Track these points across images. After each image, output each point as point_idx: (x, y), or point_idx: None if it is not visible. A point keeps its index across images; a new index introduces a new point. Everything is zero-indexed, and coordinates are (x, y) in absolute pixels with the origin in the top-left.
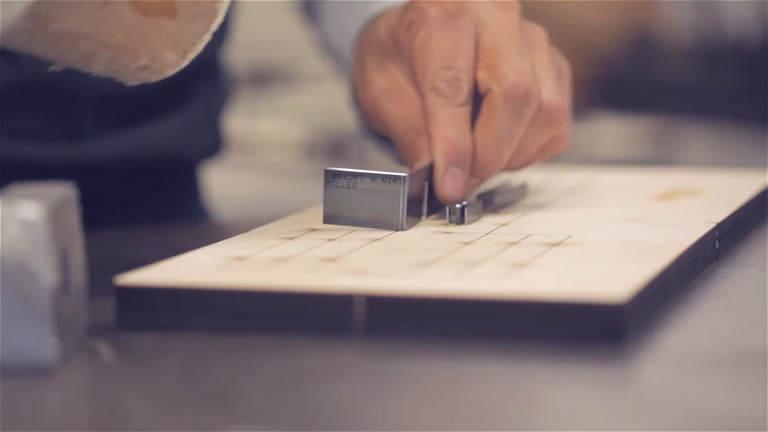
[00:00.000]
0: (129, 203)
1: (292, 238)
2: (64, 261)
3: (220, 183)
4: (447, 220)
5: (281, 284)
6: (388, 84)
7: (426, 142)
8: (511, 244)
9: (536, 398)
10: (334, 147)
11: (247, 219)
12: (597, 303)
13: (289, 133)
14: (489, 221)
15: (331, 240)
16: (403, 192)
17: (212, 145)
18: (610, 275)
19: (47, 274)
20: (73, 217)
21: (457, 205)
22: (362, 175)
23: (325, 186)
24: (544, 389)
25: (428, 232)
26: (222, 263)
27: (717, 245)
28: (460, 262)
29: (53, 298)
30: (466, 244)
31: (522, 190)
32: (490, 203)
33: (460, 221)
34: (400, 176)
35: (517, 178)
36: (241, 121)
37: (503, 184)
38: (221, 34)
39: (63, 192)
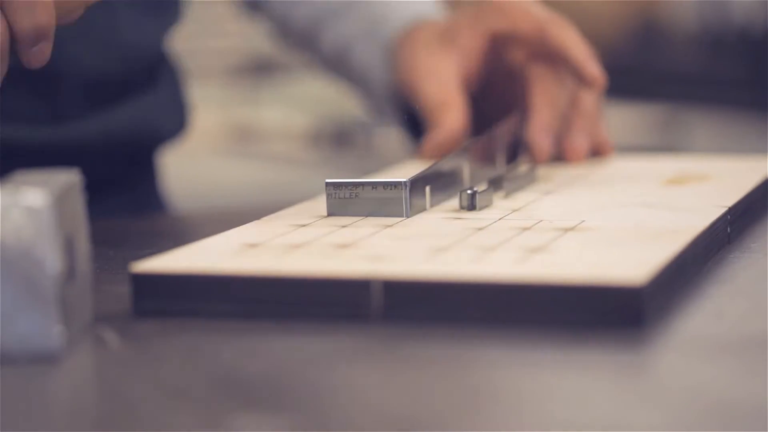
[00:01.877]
0: (112, 183)
1: (304, 225)
2: (69, 248)
3: (227, 171)
4: (458, 206)
5: (297, 270)
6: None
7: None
8: (525, 229)
9: (548, 382)
10: (339, 135)
11: (255, 207)
12: (615, 286)
13: (294, 122)
14: (500, 207)
15: (344, 226)
16: (405, 197)
17: (181, 120)
18: (627, 259)
19: (52, 261)
20: (79, 203)
21: (468, 191)
22: (363, 184)
23: (327, 198)
24: (557, 373)
25: (440, 218)
26: (236, 249)
27: (729, 230)
28: (475, 247)
29: (59, 285)
30: (479, 229)
31: (531, 176)
32: (499, 188)
33: (471, 207)
34: (401, 182)
35: (525, 164)
36: (246, 110)
37: (512, 170)
38: (172, 19)
39: (68, 178)
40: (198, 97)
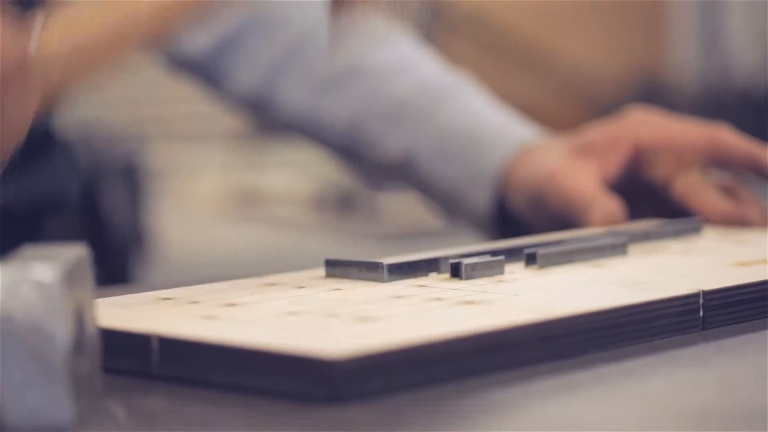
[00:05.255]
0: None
1: (273, 284)
2: (78, 322)
3: (228, 236)
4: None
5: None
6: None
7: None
8: (438, 299)
9: None
10: (342, 199)
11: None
12: (310, 357)
13: (298, 186)
14: (494, 279)
15: (301, 288)
16: (384, 273)
17: (72, 192)
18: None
19: (63, 336)
20: (87, 277)
21: (453, 261)
22: (353, 263)
23: (326, 274)
24: None
25: (408, 285)
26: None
27: (701, 313)
28: (330, 314)
29: (69, 359)
30: (399, 297)
31: (573, 252)
32: (533, 262)
33: (456, 275)
34: (380, 263)
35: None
36: (249, 173)
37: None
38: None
39: (77, 252)
40: (201, 162)
